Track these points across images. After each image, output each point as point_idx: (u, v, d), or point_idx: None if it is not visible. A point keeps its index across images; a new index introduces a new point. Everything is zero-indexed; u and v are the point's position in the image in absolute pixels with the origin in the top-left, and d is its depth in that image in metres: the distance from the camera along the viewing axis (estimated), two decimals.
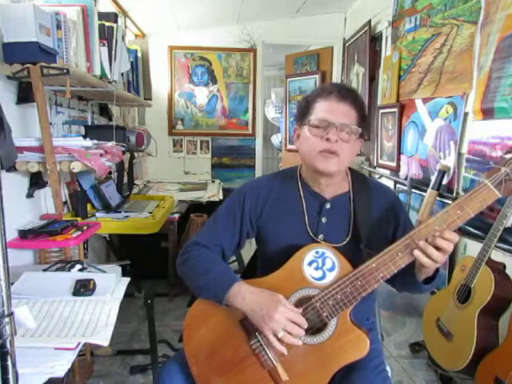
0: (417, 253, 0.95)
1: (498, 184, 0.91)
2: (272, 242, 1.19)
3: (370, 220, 1.14)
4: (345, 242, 1.14)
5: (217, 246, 1.19)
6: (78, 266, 1.45)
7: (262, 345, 1.05)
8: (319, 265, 1.07)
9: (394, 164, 2.99)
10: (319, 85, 1.06)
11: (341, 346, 1.03)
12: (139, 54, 2.99)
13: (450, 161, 2.27)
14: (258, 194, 1.19)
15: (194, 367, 1.10)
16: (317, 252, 1.08)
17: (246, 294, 1.04)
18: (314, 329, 1.06)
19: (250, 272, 1.32)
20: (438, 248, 0.93)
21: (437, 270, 1.03)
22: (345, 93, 1.10)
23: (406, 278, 1.09)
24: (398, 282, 1.16)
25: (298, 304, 1.06)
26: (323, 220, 1.16)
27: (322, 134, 1.08)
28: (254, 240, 1.28)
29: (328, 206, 1.16)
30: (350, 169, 1.22)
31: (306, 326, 1.01)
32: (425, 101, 2.58)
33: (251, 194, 1.20)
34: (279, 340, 1.00)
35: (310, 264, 1.07)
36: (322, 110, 1.10)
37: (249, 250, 1.45)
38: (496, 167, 0.92)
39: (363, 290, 1.00)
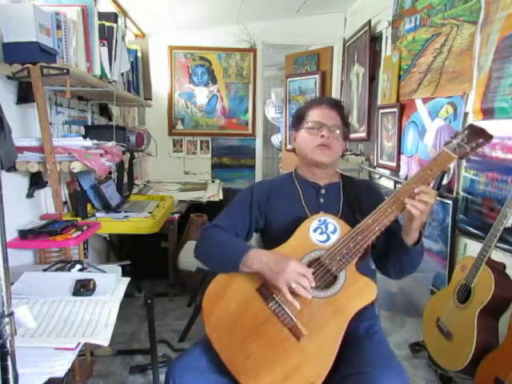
0: (407, 206, 1.14)
1: (453, 150, 1.17)
2: (277, 223, 1.37)
3: (358, 199, 1.38)
4: (340, 215, 1.33)
5: (232, 229, 1.35)
6: (78, 266, 1.45)
7: (280, 304, 1.16)
8: (323, 230, 1.24)
9: (394, 164, 2.99)
10: (311, 99, 1.50)
11: (352, 294, 1.16)
12: (139, 54, 2.99)
13: None
14: (263, 187, 1.45)
15: (216, 341, 1.18)
16: (319, 220, 1.26)
17: (262, 256, 1.19)
18: (326, 284, 1.17)
19: None
20: (419, 200, 1.13)
21: (420, 235, 1.20)
22: (333, 102, 1.43)
23: (398, 250, 1.24)
24: (392, 258, 1.28)
25: (308, 265, 1.19)
26: (321, 201, 1.40)
27: (317, 132, 1.36)
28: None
29: (323, 191, 1.41)
30: (340, 173, 1.49)
31: (312, 277, 1.14)
32: (425, 101, 2.58)
33: (258, 187, 1.46)
34: (292, 293, 1.12)
35: (315, 231, 1.25)
36: (316, 115, 1.39)
37: None
38: (449, 140, 1.20)
39: (364, 242, 1.17)
